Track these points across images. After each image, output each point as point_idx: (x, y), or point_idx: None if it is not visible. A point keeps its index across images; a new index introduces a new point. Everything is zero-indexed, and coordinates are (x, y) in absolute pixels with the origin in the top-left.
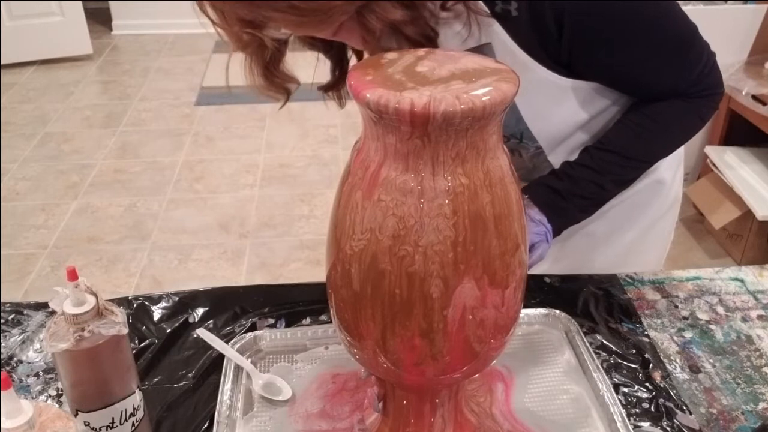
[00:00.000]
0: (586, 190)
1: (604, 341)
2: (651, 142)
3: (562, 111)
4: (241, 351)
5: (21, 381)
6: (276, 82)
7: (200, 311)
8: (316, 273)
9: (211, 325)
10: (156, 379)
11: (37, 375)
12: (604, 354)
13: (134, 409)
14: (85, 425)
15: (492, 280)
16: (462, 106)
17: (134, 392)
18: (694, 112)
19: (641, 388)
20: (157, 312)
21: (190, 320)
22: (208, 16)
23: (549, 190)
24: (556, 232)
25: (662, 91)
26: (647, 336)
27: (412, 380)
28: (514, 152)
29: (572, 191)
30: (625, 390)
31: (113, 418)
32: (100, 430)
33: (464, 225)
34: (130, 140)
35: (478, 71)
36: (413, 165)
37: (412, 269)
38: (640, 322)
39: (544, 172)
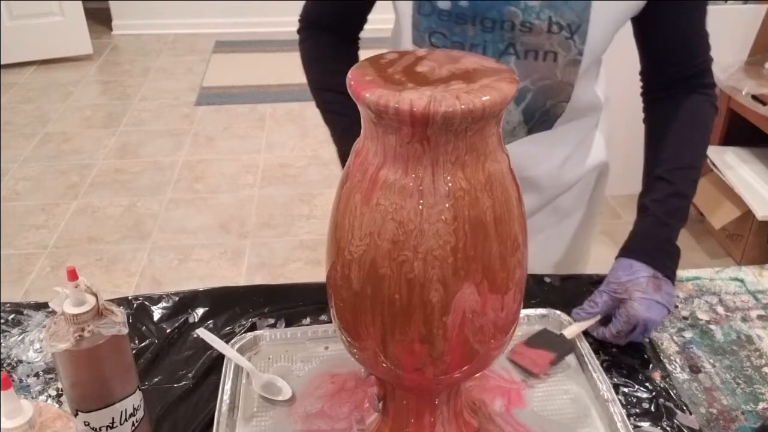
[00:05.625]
0: (684, 214)
1: (604, 341)
2: (705, 144)
3: (614, 28)
4: (241, 351)
5: (21, 381)
6: None
7: (200, 311)
8: (316, 273)
9: (211, 325)
10: (156, 379)
11: (37, 375)
12: (604, 354)
13: (134, 409)
14: (85, 425)
15: (492, 285)
16: (462, 107)
17: (134, 392)
18: (712, 108)
19: (641, 388)
20: (157, 312)
21: (190, 320)
22: None
23: (664, 243)
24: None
25: (697, 58)
26: (647, 336)
27: (412, 381)
28: (550, 55)
29: (677, 226)
30: (625, 390)
31: (113, 418)
32: (100, 430)
33: (464, 230)
34: (130, 140)
35: (478, 71)
36: (412, 168)
37: (412, 275)
38: None
39: (565, 92)
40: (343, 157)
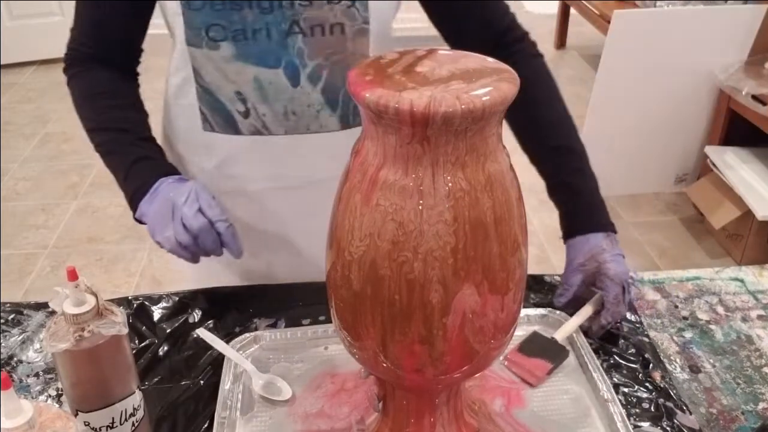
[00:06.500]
0: (590, 166)
1: (604, 341)
2: (558, 92)
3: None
4: (241, 351)
5: (21, 381)
6: None
7: (200, 311)
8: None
9: (211, 325)
10: (156, 379)
11: (37, 375)
12: (604, 354)
13: (134, 409)
14: (85, 425)
15: (492, 285)
16: (462, 107)
17: (134, 392)
18: (539, 57)
19: (641, 388)
20: (157, 312)
21: (190, 320)
22: None
23: (598, 205)
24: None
25: (498, 12)
26: (647, 336)
27: (412, 381)
28: (336, 27)
29: (595, 183)
30: (625, 390)
31: (113, 418)
32: (100, 430)
33: (465, 231)
34: None
35: (478, 71)
36: (412, 169)
37: (412, 276)
38: (640, 322)
39: (356, 61)
40: (133, 199)
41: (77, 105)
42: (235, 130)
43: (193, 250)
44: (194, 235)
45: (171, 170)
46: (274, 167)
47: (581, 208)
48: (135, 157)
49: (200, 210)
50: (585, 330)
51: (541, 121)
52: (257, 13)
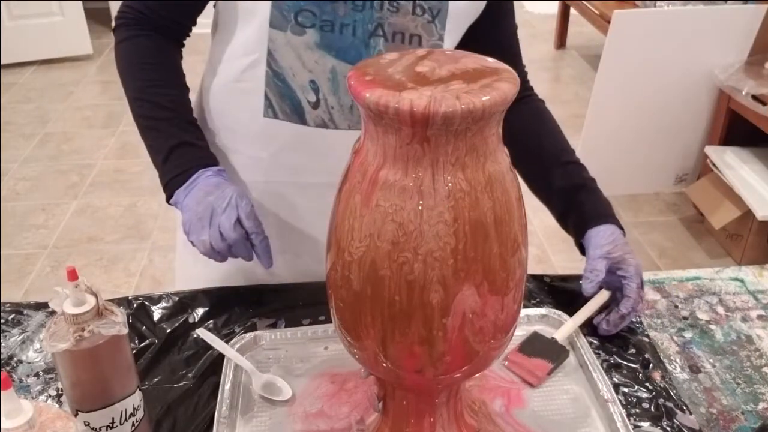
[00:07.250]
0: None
1: (604, 341)
2: (559, 128)
3: (466, 20)
4: (241, 351)
5: (21, 381)
6: None
7: (200, 311)
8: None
9: (211, 325)
10: (156, 379)
11: (37, 375)
12: (604, 354)
13: (134, 409)
14: (85, 425)
15: (492, 286)
16: (462, 107)
17: (134, 392)
18: (543, 103)
19: (641, 388)
20: (157, 312)
21: (190, 320)
22: None
23: (607, 201)
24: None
25: (521, 64)
26: (647, 336)
27: (412, 381)
28: (415, 38)
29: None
30: (625, 390)
31: (113, 418)
32: (100, 430)
33: (465, 232)
34: (130, 140)
35: (478, 71)
36: (413, 169)
37: (412, 277)
38: (640, 322)
39: None
40: (170, 185)
41: (123, 71)
42: (301, 119)
43: (225, 255)
44: (229, 244)
45: (211, 161)
46: (329, 159)
47: (601, 203)
48: (178, 141)
49: (238, 220)
50: (598, 323)
51: (550, 147)
52: (349, 9)
